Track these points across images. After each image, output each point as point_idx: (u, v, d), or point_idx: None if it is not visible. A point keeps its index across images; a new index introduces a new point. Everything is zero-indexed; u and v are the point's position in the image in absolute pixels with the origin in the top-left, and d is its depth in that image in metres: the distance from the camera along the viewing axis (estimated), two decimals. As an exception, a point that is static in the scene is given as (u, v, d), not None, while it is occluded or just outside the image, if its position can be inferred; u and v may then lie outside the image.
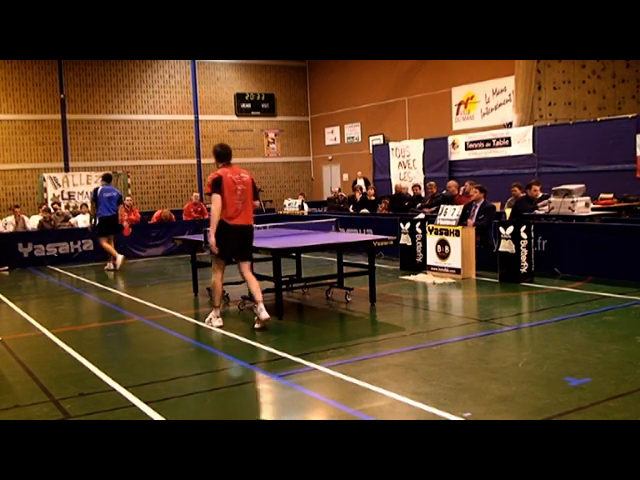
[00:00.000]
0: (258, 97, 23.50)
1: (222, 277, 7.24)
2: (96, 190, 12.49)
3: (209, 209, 8.59)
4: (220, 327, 7.14)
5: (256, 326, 6.98)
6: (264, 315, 6.86)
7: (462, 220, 10.02)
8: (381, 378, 5.10)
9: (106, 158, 21.11)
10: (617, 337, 6.11)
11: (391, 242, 8.52)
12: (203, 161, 22.27)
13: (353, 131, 22.58)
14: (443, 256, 9.98)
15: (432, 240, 10.18)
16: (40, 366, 5.94)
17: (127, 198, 16.05)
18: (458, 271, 9.72)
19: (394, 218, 12.08)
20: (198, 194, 18.24)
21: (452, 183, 13.84)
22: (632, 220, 10.33)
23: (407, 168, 17.71)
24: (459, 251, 9.70)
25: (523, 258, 9.17)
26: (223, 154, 7.03)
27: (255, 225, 7.52)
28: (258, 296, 6.95)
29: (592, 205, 10.44)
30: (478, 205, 10.40)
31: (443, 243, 9.97)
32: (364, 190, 17.39)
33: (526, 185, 11.40)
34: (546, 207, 10.37)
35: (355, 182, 18.82)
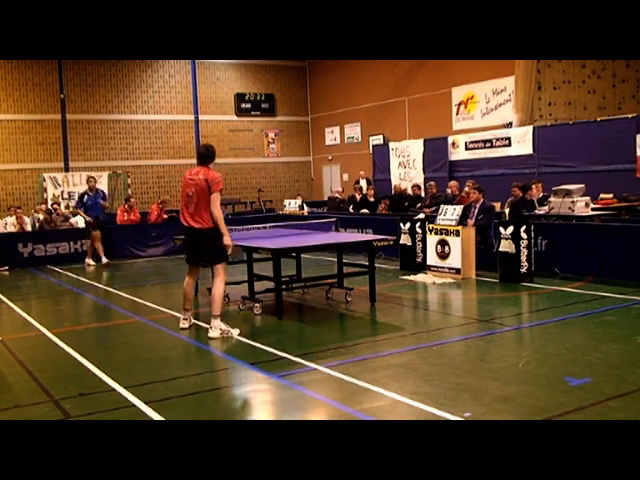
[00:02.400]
0: (258, 97, 23.50)
1: (191, 280, 7.07)
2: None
3: None
4: (184, 329, 7.02)
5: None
6: (211, 333, 6.68)
7: (462, 220, 10.02)
8: (381, 378, 5.10)
9: (106, 158, 21.12)
10: (617, 337, 6.11)
11: (391, 242, 8.51)
12: (203, 161, 22.23)
13: (353, 131, 22.58)
14: (443, 256, 9.98)
15: (432, 240, 10.18)
16: (40, 366, 5.94)
17: (131, 199, 16.03)
18: (458, 271, 9.71)
19: (394, 218, 12.07)
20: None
21: (453, 183, 13.85)
22: (632, 220, 10.32)
23: (407, 168, 17.71)
24: (459, 251, 9.70)
25: (523, 258, 9.17)
26: (198, 155, 6.95)
27: (255, 225, 7.48)
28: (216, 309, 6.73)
29: (592, 205, 10.45)
30: (477, 205, 10.40)
31: (443, 243, 9.97)
32: (364, 190, 17.37)
33: (523, 187, 11.42)
34: (543, 210, 10.39)
35: (357, 182, 18.76)
